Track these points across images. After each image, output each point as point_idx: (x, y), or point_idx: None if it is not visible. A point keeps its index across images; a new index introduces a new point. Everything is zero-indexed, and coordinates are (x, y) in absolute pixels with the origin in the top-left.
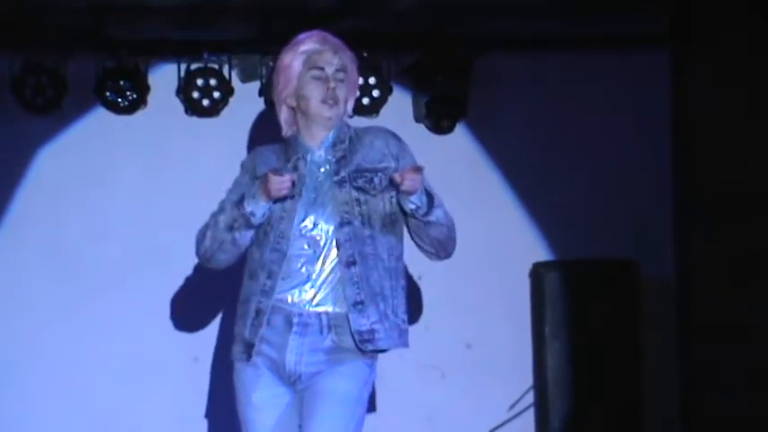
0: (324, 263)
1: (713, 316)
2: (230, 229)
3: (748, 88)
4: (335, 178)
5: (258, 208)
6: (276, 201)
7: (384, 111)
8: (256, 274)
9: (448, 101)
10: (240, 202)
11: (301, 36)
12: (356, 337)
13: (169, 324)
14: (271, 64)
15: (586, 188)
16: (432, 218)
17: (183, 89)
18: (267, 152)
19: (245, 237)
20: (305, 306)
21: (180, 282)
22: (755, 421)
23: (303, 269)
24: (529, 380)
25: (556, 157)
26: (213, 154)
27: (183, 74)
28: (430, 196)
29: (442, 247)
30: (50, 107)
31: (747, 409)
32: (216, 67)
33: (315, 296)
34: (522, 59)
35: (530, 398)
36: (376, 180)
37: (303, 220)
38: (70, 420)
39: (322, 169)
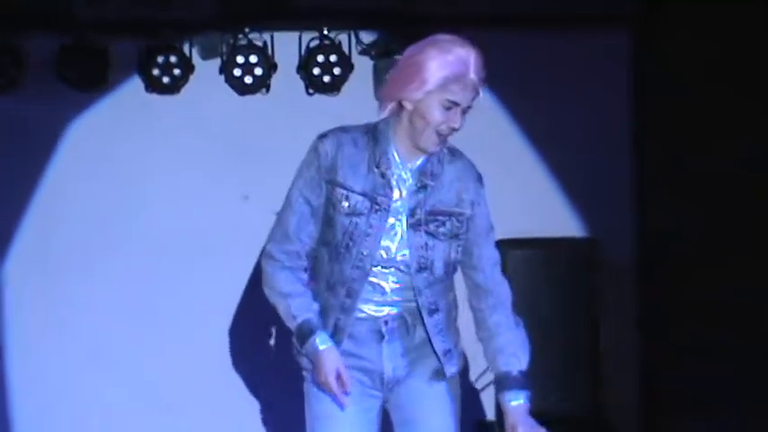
0: (393, 283)
1: (672, 294)
2: (283, 317)
3: (707, 67)
4: (411, 220)
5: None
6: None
7: (345, 88)
8: (335, 288)
9: None
10: (299, 339)
11: (454, 46)
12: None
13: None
14: (231, 42)
15: (547, 166)
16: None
17: (144, 67)
18: (350, 144)
19: None
20: (387, 313)
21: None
22: (713, 395)
23: (377, 286)
24: None
25: (516, 136)
26: (173, 132)
27: (143, 51)
28: (523, 383)
29: None
30: (9, 86)
31: (704, 385)
32: (176, 44)
33: (392, 303)
34: (482, 38)
35: (490, 375)
36: (447, 225)
37: (383, 242)
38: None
39: (404, 191)
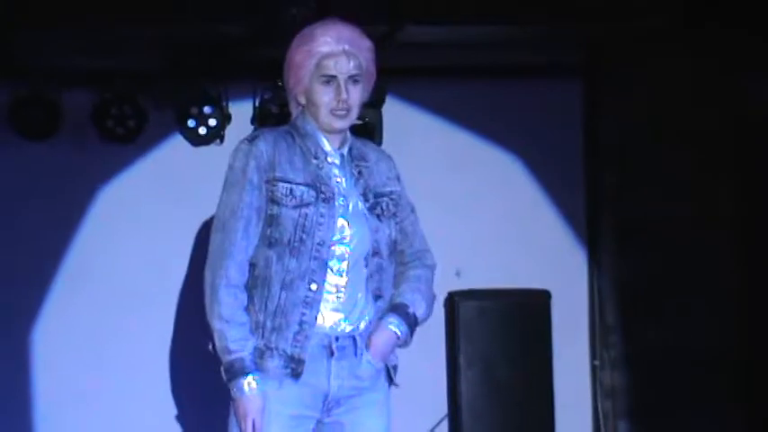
0: (348, 278)
1: (624, 343)
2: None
3: (653, 119)
4: (367, 204)
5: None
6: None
7: None
8: (294, 284)
9: (362, 129)
10: (228, 373)
11: (314, 30)
12: (392, 371)
13: None
14: (186, 92)
15: (499, 217)
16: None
17: (98, 117)
18: (281, 140)
19: (264, 309)
20: (340, 329)
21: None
22: None
23: (333, 285)
24: (443, 408)
25: (470, 187)
26: (128, 181)
27: (97, 101)
28: (409, 321)
29: None
30: None
31: None
32: (130, 94)
33: (346, 316)
34: (436, 88)
35: (444, 427)
36: (384, 206)
37: (336, 231)
38: None
39: (344, 178)
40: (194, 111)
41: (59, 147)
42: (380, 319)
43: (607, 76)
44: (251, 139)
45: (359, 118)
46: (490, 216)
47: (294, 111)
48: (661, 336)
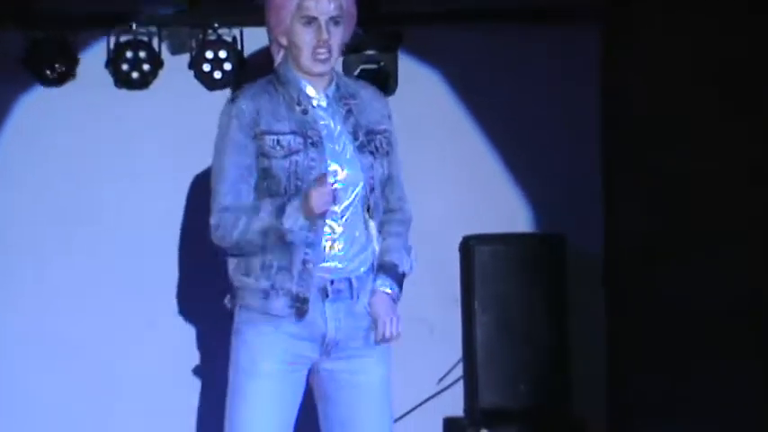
0: (345, 221)
1: (638, 291)
2: (264, 235)
3: (677, 63)
4: (356, 143)
5: (297, 225)
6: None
7: None
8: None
9: (377, 73)
10: (280, 213)
11: None
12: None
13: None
14: (201, 36)
15: (516, 161)
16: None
17: (112, 61)
18: (262, 94)
19: (274, 248)
20: (336, 270)
21: (115, 256)
22: (680, 398)
23: (327, 227)
24: (458, 353)
25: (484, 131)
26: (142, 126)
27: (111, 46)
28: (399, 280)
29: None
30: None
31: (671, 385)
32: (145, 39)
33: (343, 259)
34: (451, 32)
35: (459, 371)
36: (377, 143)
37: (330, 168)
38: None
39: (331, 120)
40: (209, 55)
41: (74, 91)
42: (374, 281)
43: (623, 20)
44: (232, 99)
45: (373, 62)
46: (507, 160)
47: (276, 55)
48: (678, 284)
